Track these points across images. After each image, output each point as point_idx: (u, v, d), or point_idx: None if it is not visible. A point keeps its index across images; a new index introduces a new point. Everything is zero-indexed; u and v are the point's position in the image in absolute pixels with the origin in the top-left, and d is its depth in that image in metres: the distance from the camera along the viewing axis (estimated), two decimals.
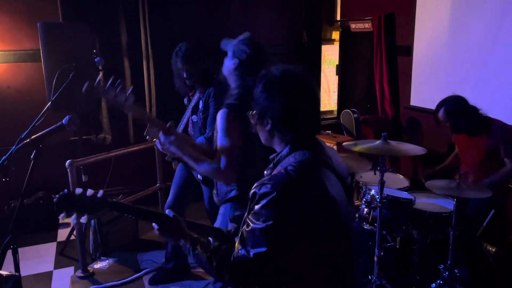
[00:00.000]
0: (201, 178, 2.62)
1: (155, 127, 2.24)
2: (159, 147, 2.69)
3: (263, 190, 1.36)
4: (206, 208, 3.25)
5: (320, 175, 1.43)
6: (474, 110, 3.17)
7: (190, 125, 3.08)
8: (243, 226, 1.40)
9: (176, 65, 2.95)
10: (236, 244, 1.39)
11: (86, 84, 2.04)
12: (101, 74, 2.03)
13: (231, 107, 2.04)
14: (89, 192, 1.49)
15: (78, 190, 1.48)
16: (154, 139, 2.35)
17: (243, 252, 1.35)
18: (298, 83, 1.48)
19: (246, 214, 1.42)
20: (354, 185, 3.47)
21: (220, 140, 2.03)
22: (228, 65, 2.14)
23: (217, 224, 2.22)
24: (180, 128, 3.13)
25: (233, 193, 2.13)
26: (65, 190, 1.47)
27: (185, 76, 2.94)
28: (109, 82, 2.08)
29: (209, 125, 2.90)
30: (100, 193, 1.51)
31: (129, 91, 2.30)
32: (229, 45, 2.16)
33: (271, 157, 1.54)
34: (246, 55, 2.08)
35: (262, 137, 1.56)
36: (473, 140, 3.26)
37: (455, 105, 3.17)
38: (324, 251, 1.42)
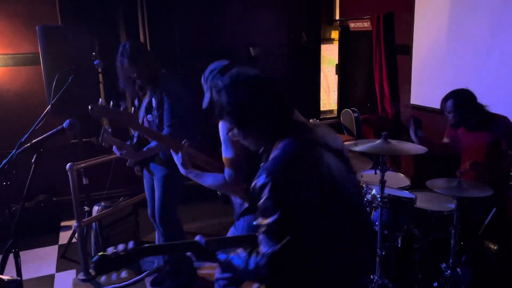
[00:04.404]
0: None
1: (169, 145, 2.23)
2: (117, 153, 2.69)
3: (259, 182, 1.40)
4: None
5: (311, 154, 1.47)
6: (481, 106, 3.17)
7: (146, 125, 2.97)
8: (259, 229, 1.43)
9: (123, 67, 2.84)
10: (261, 246, 1.42)
11: (90, 107, 2.05)
12: (101, 99, 2.05)
13: None
14: (121, 247, 1.51)
15: (110, 250, 1.50)
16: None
17: (270, 250, 1.38)
18: (242, 80, 1.51)
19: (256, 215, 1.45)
20: None
21: (223, 151, 2.03)
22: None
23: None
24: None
25: (246, 205, 2.12)
26: (98, 254, 1.48)
27: (135, 76, 2.84)
28: (111, 103, 2.09)
29: (166, 120, 2.83)
30: (131, 244, 1.52)
31: (132, 111, 2.30)
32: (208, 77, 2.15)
33: (260, 152, 1.58)
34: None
35: (251, 145, 1.59)
36: (473, 136, 3.25)
37: (465, 99, 3.16)
38: (333, 225, 1.45)
